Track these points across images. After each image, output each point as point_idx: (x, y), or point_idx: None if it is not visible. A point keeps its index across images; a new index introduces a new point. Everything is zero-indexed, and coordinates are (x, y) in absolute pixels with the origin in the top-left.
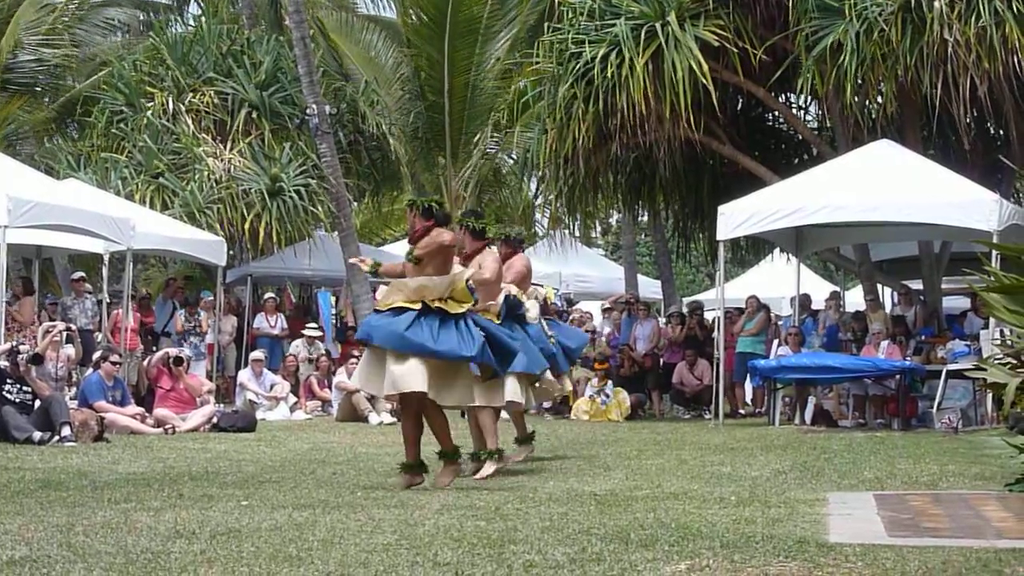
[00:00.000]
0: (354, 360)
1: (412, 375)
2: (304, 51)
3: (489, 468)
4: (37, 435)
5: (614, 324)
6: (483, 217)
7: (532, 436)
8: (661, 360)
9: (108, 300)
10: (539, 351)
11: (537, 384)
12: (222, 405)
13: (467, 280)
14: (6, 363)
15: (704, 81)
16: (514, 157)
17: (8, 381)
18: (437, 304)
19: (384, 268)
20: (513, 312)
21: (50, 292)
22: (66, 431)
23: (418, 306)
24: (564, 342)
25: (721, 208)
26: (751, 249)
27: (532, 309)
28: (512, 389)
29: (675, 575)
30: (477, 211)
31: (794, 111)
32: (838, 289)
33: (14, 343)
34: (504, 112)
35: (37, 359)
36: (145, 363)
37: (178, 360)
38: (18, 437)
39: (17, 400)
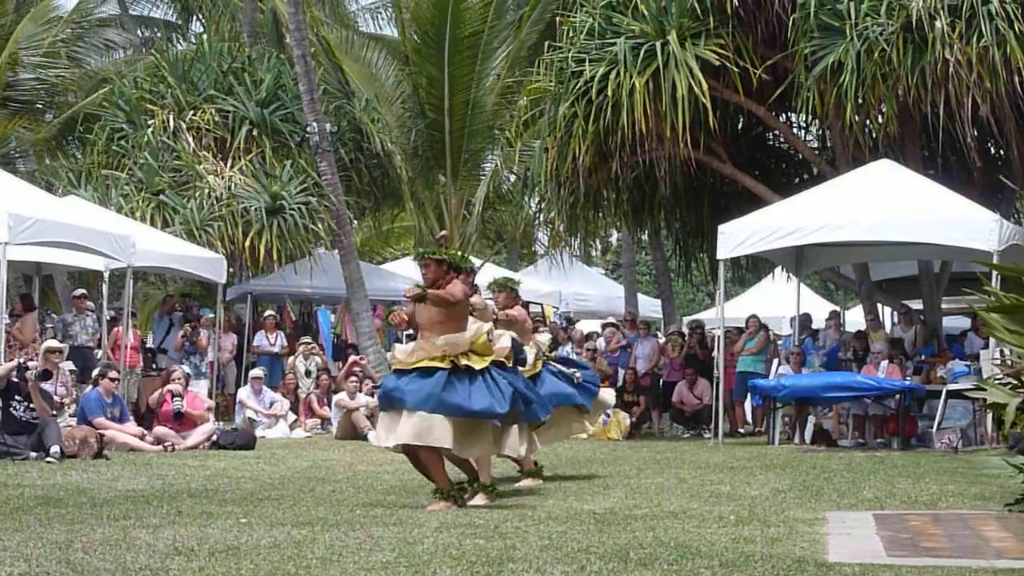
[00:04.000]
0: (354, 379)
1: (439, 430)
2: (305, 69)
3: (480, 499)
4: (32, 455)
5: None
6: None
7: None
8: (661, 379)
9: (110, 316)
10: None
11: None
12: (221, 423)
13: (487, 333)
14: (16, 378)
15: (704, 100)
16: (515, 174)
17: (16, 397)
18: (464, 362)
19: (433, 293)
20: (515, 356)
21: (50, 309)
22: (55, 450)
23: (447, 364)
24: (588, 379)
25: (721, 227)
26: (751, 268)
27: (528, 355)
28: (514, 439)
29: None
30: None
31: (794, 130)
32: (838, 309)
33: (21, 360)
34: (506, 130)
35: (46, 375)
36: (152, 398)
37: (178, 415)
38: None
39: (23, 418)
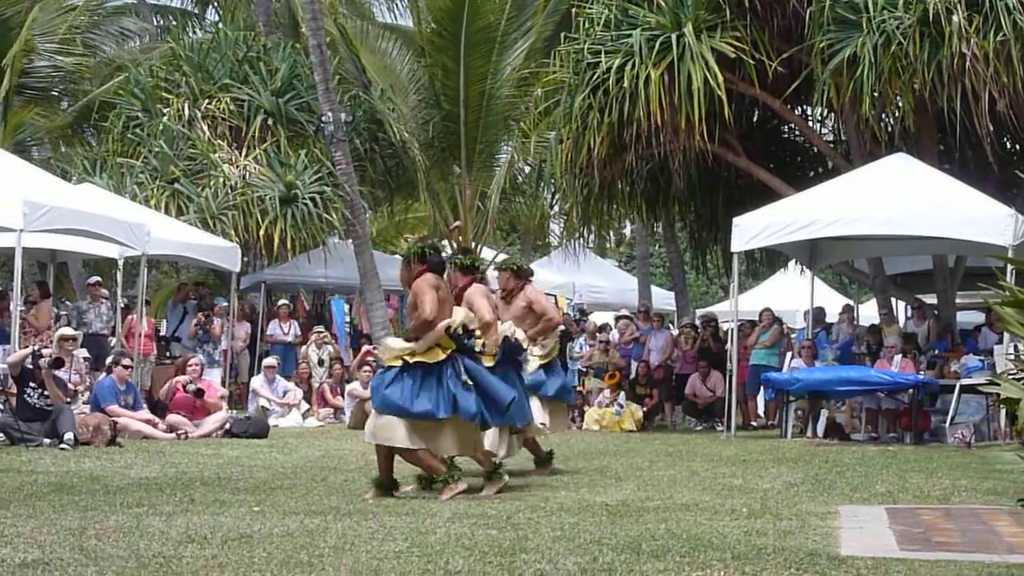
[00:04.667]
0: (367, 368)
1: (392, 429)
2: (320, 58)
3: (489, 489)
4: (47, 442)
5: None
6: (472, 252)
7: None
8: (674, 371)
9: (124, 304)
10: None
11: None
12: (235, 411)
13: (453, 329)
14: (31, 365)
15: (720, 93)
16: (530, 165)
17: (31, 384)
18: (417, 358)
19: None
20: (511, 356)
21: (65, 297)
22: (68, 437)
23: (398, 363)
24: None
25: (736, 220)
26: (765, 261)
27: (532, 363)
28: (492, 440)
29: None
30: (468, 248)
31: (810, 124)
32: (852, 302)
33: (35, 347)
34: (521, 121)
35: (58, 362)
36: (163, 391)
37: (199, 392)
38: (28, 444)
39: (37, 404)
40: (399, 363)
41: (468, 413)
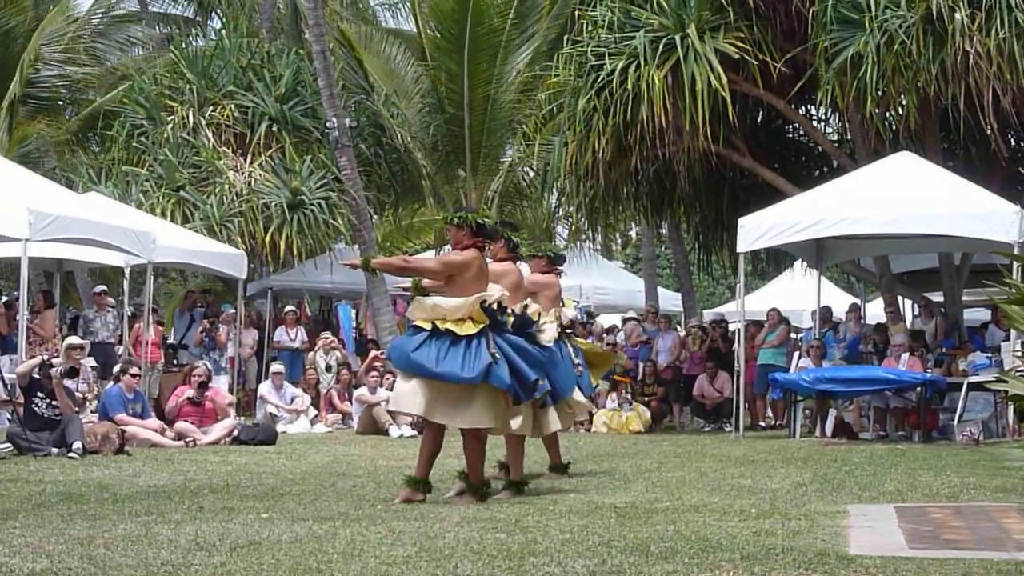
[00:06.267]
0: (375, 374)
1: (410, 396)
2: (324, 64)
3: (505, 495)
4: (55, 451)
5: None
6: (519, 231)
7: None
8: (682, 372)
9: (131, 312)
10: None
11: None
12: (243, 418)
13: (488, 304)
14: (38, 375)
15: (724, 93)
16: (535, 169)
17: (39, 394)
18: (446, 326)
19: (376, 262)
20: (522, 329)
21: (71, 306)
22: (76, 446)
23: (428, 326)
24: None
25: (741, 220)
26: (771, 261)
27: (548, 331)
28: (521, 422)
29: None
30: (514, 223)
31: (814, 123)
32: (858, 301)
33: (44, 357)
34: (525, 124)
35: (72, 372)
36: (169, 407)
37: (203, 384)
38: (36, 453)
39: (44, 414)
40: (428, 326)
41: (503, 382)
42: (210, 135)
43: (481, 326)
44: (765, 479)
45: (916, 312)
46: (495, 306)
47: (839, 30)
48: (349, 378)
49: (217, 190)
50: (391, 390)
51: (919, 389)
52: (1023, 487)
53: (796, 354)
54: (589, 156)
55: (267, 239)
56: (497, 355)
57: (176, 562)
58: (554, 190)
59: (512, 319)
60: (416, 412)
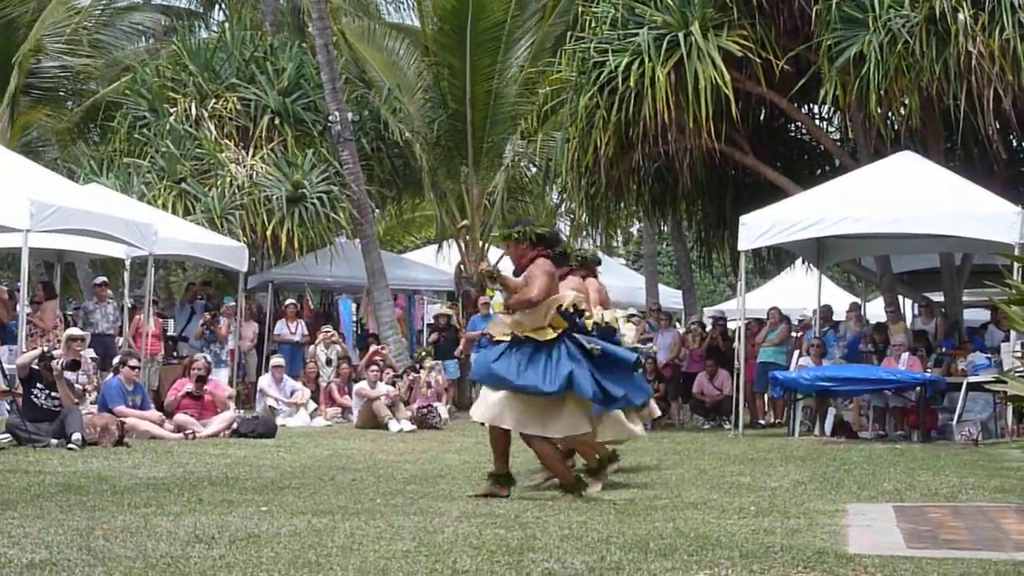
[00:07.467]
0: (375, 368)
1: (498, 410)
2: (327, 58)
3: (595, 487)
4: (54, 442)
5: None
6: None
7: (605, 462)
8: (681, 370)
9: (131, 304)
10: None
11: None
12: (242, 411)
13: (564, 307)
14: (38, 366)
15: (726, 91)
16: (536, 165)
17: (39, 385)
18: (526, 334)
19: (502, 277)
20: (605, 337)
21: (72, 297)
22: (76, 437)
23: (508, 338)
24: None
25: (743, 218)
26: (772, 260)
27: (629, 334)
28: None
29: None
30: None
31: (816, 122)
32: (859, 300)
33: (45, 349)
34: (527, 120)
35: (75, 364)
36: (170, 402)
37: (201, 379)
38: (35, 444)
39: (44, 405)
40: (508, 338)
41: (586, 392)
42: (212, 127)
43: (560, 330)
44: (764, 477)
45: (916, 312)
46: (571, 309)
47: (842, 29)
48: (349, 372)
49: (219, 183)
50: (391, 384)
51: (918, 389)
52: (1021, 488)
53: (796, 352)
54: (591, 153)
55: (268, 232)
56: (596, 348)
57: (175, 554)
58: (556, 186)
59: (591, 320)
60: (507, 426)
